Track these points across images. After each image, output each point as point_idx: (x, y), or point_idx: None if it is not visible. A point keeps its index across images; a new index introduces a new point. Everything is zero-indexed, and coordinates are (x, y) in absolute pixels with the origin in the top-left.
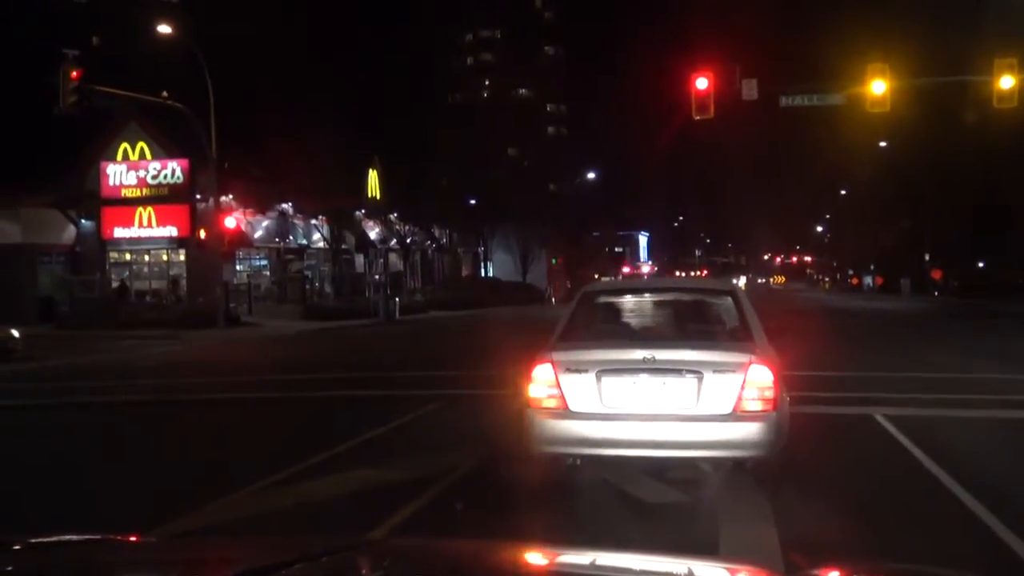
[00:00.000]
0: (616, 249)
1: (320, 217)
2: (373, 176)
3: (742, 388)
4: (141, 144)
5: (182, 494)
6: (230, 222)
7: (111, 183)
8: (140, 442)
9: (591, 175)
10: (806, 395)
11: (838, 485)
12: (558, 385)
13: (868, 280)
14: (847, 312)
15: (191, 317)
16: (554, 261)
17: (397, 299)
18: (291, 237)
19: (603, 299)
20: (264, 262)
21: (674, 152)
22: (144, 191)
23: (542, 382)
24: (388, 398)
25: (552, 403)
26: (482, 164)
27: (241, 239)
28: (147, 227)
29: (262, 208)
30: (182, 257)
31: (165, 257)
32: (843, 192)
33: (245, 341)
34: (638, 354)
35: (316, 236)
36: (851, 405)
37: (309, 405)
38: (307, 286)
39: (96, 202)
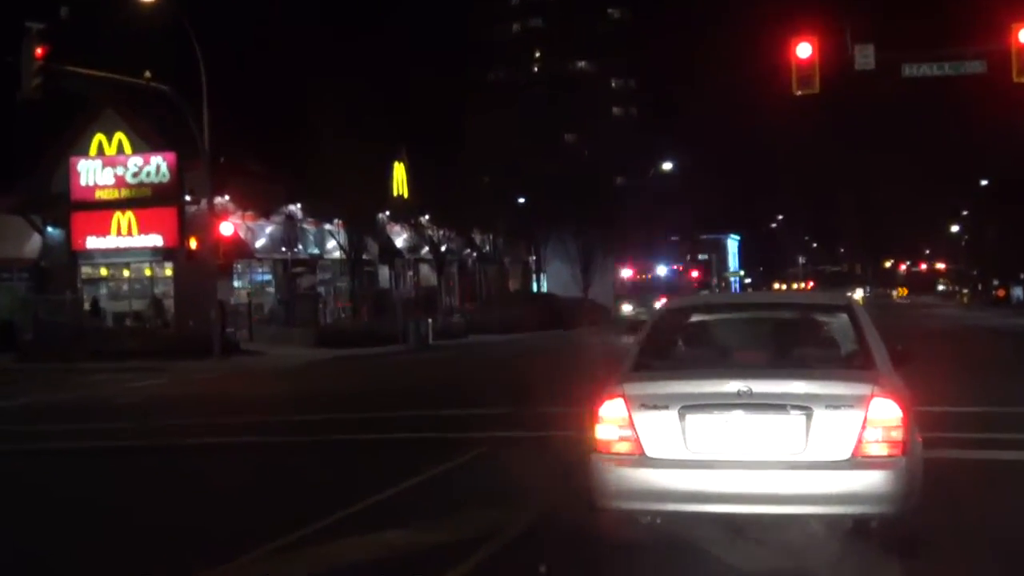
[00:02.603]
0: (700, 256)
1: (336, 221)
2: (399, 171)
3: (862, 428)
4: (119, 135)
5: (168, 562)
6: (227, 228)
7: (83, 183)
8: (119, 497)
9: (667, 166)
10: (945, 436)
11: (988, 553)
12: (631, 425)
13: (1018, 292)
14: (992, 332)
15: (180, 345)
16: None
17: (430, 320)
18: (300, 246)
19: (686, 318)
20: (268, 277)
21: (770, 137)
22: (123, 192)
23: (612, 422)
24: (422, 442)
25: (624, 447)
26: (533, 155)
27: (240, 249)
28: (127, 235)
29: (265, 211)
30: (169, 272)
31: (148, 272)
32: (984, 183)
33: (246, 373)
34: (731, 386)
35: (331, 244)
36: (1005, 449)
37: (325, 451)
38: (320, 305)
39: (65, 206)
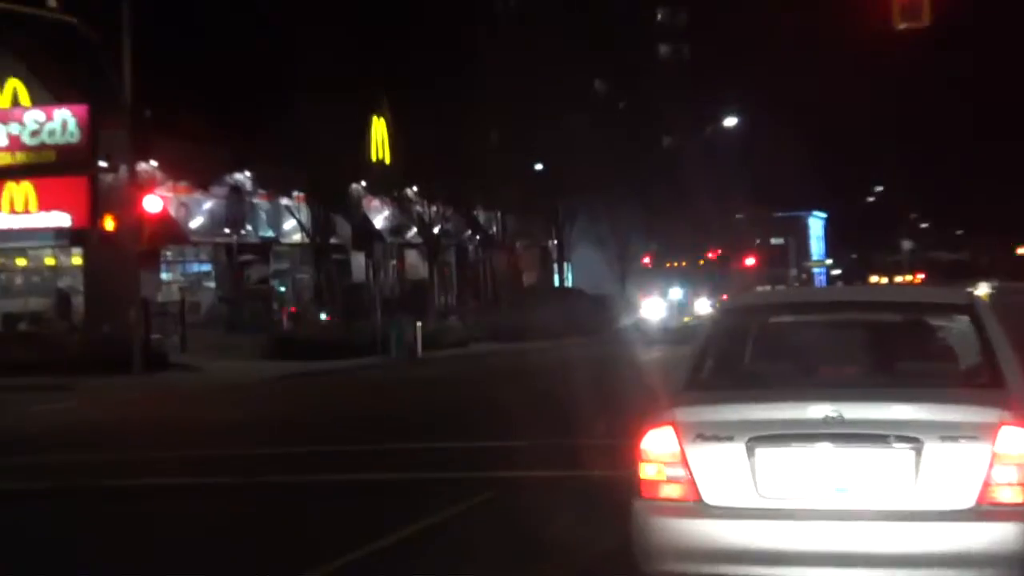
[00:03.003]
0: (772, 240)
1: (295, 195)
2: (379, 128)
3: (990, 466)
4: (14, 83)
5: None
6: (153, 204)
7: None
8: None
9: (729, 122)
10: None
11: None
12: (685, 462)
13: None
14: None
15: (91, 356)
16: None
17: (419, 325)
18: (249, 227)
19: (756, 320)
20: (207, 267)
21: (865, 85)
22: (18, 156)
23: (658, 458)
24: (409, 485)
25: (675, 492)
26: (554, 106)
27: (170, 230)
28: (22, 213)
29: (204, 181)
30: (77, 260)
31: (51, 261)
32: None
33: (177, 394)
34: (816, 410)
35: (289, 224)
36: None
37: (280, 496)
38: (275, 304)
39: None
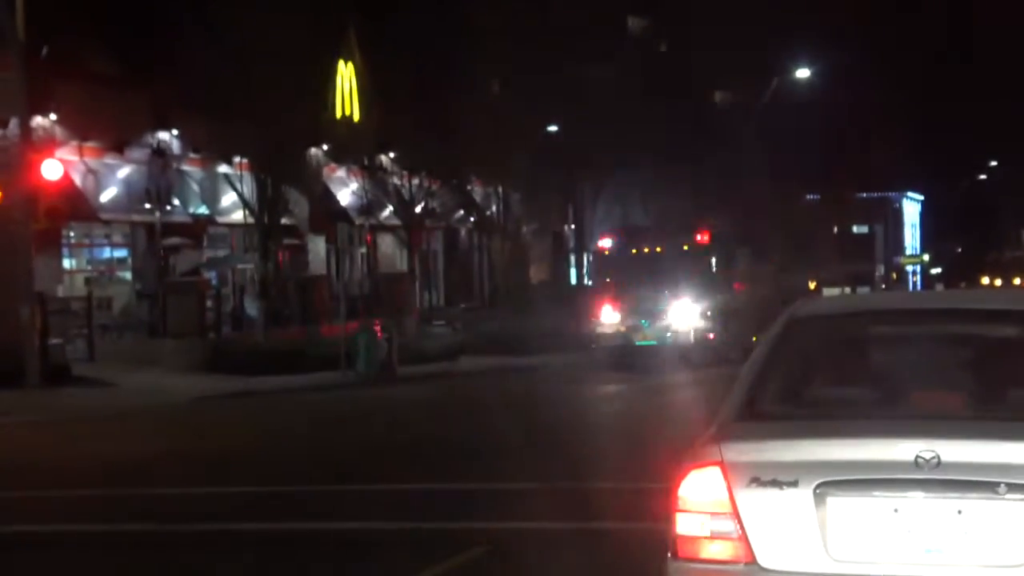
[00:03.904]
0: (854, 229)
1: (237, 161)
2: (346, 75)
3: None
4: None
5: None
6: (52, 170)
7: None
8: None
9: (801, 73)
10: None
11: None
12: (735, 513)
13: None
14: None
15: None
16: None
17: (389, 336)
18: (177, 201)
19: (829, 332)
20: (123, 252)
21: (973, 30)
22: None
23: (701, 507)
24: (381, 537)
25: (722, 551)
26: (572, 52)
27: (75, 204)
28: None
29: (118, 141)
30: None
31: None
32: None
33: (82, 417)
34: (904, 449)
35: (229, 199)
36: None
37: (212, 551)
38: (210, 302)
39: None
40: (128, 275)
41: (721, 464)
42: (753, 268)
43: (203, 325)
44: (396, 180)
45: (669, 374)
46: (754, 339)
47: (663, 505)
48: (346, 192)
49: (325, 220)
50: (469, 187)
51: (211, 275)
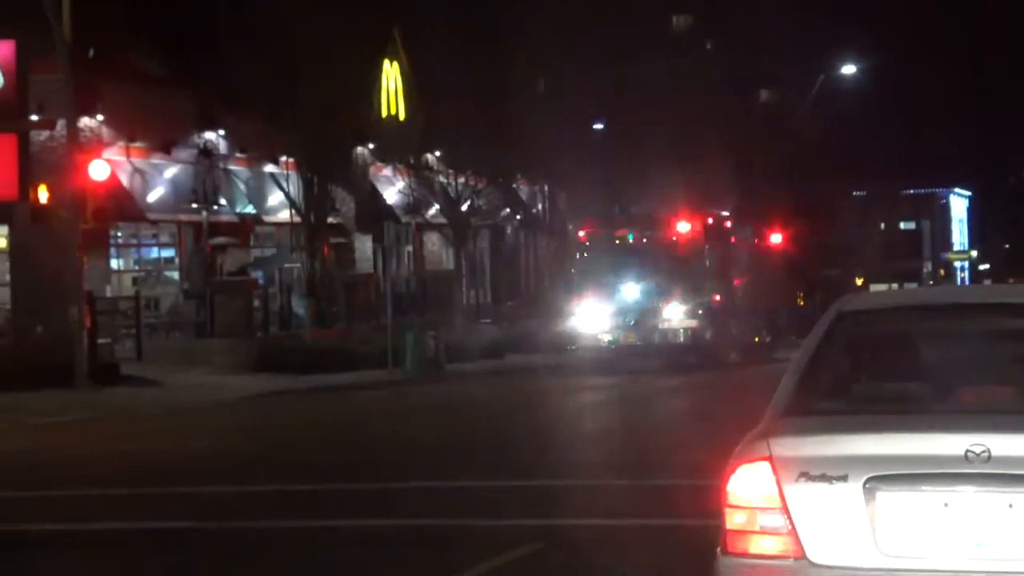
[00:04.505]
0: (901, 225)
1: (284, 160)
2: (391, 74)
3: None
4: None
5: None
6: (100, 170)
7: None
8: None
9: (848, 70)
10: None
11: None
12: (784, 508)
13: None
14: None
15: (20, 366)
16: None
17: (434, 334)
18: (224, 201)
19: (878, 327)
20: (170, 252)
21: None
22: None
23: (751, 502)
24: (428, 534)
25: (772, 545)
26: (619, 50)
27: (122, 205)
28: None
29: (165, 141)
30: (1, 242)
31: None
32: None
33: (131, 416)
34: (953, 443)
35: (275, 198)
36: None
37: (257, 547)
38: (258, 301)
39: None
40: (175, 275)
41: (770, 459)
42: (759, 261)
43: (250, 324)
44: (442, 178)
45: (655, 377)
46: (756, 340)
47: (713, 500)
48: (392, 191)
49: (371, 219)
50: (515, 185)
51: (258, 274)
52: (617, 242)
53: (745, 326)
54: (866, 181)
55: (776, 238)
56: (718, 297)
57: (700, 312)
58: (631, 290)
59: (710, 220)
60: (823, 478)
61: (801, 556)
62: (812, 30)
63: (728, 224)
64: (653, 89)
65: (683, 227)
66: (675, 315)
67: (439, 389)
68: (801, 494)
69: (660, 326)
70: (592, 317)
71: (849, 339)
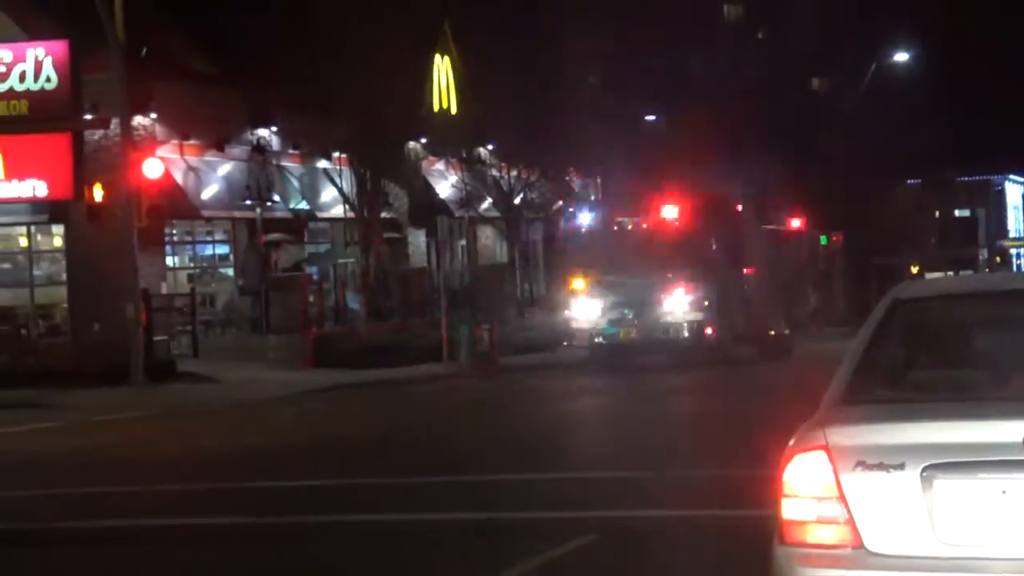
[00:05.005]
0: (956, 212)
1: (336, 156)
2: (442, 68)
3: None
4: None
5: None
6: (154, 168)
7: None
8: None
9: (901, 57)
10: None
11: None
12: (841, 497)
13: None
14: None
15: (78, 363)
16: (824, 240)
17: (487, 327)
18: (277, 197)
19: (932, 315)
20: (224, 249)
21: None
22: None
23: (807, 492)
24: (483, 526)
25: (829, 535)
26: (668, 40)
27: (176, 202)
28: None
29: (218, 139)
30: (58, 241)
31: (24, 241)
32: None
33: (189, 412)
34: (1012, 430)
35: (329, 194)
36: None
37: (335, 543)
38: (310, 296)
39: None
40: (230, 271)
41: (826, 448)
42: (779, 248)
43: (305, 320)
44: (495, 172)
45: (660, 376)
46: (771, 333)
47: (769, 490)
48: (445, 185)
49: (425, 213)
50: (567, 177)
51: (312, 270)
52: (615, 228)
53: (757, 317)
54: (920, 169)
55: (796, 223)
56: (725, 288)
57: (704, 304)
58: (624, 280)
59: (715, 203)
60: (880, 467)
61: (859, 545)
62: (864, 17)
63: (739, 208)
64: (704, 79)
65: (682, 211)
66: (674, 308)
67: (493, 383)
68: (858, 483)
69: (660, 319)
70: (587, 311)
71: (905, 327)
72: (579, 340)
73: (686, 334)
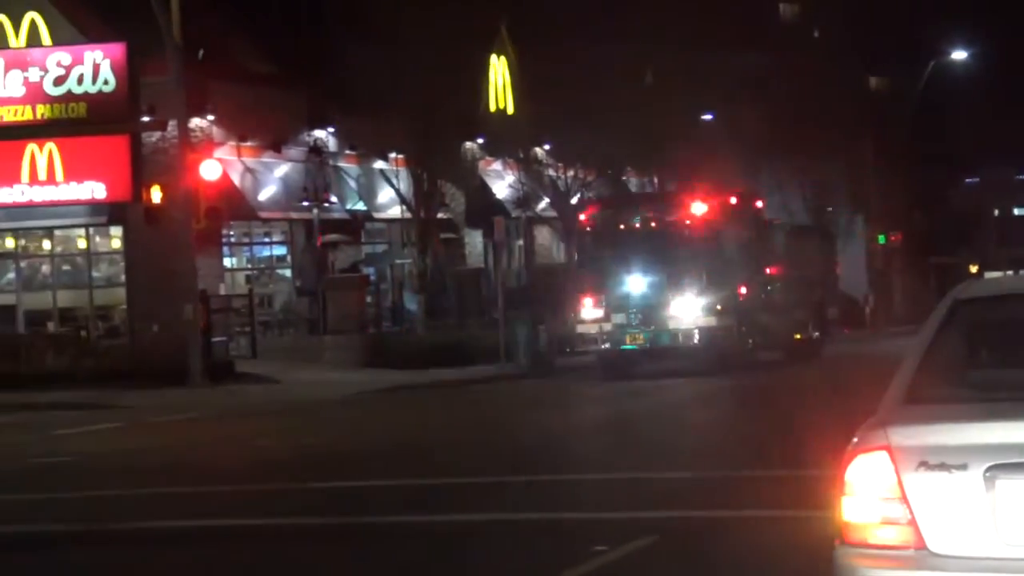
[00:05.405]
0: (1017, 211)
1: (393, 157)
2: (499, 69)
3: None
4: (31, 17)
5: None
6: (212, 170)
7: None
8: None
9: (958, 55)
10: None
11: None
12: (903, 498)
13: None
14: None
15: (137, 364)
16: (882, 239)
17: (545, 328)
18: (334, 198)
19: (992, 314)
20: (282, 250)
21: None
22: (40, 111)
23: (869, 492)
24: (543, 527)
25: (891, 536)
26: (722, 40)
27: (234, 204)
28: (46, 183)
29: (275, 140)
30: (116, 243)
31: (83, 243)
32: None
33: (248, 413)
34: None
35: (386, 195)
36: None
37: (399, 543)
38: (368, 297)
39: None
40: (288, 272)
41: (888, 448)
42: (803, 246)
43: (363, 320)
44: (551, 172)
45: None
46: (797, 337)
47: (831, 490)
48: (502, 185)
49: (481, 214)
50: (624, 178)
51: (369, 271)
52: (623, 227)
53: (782, 321)
54: (979, 167)
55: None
56: (744, 289)
57: (716, 307)
58: (637, 282)
59: (733, 200)
60: (942, 467)
61: (922, 546)
62: (922, 15)
63: (760, 203)
64: (761, 78)
65: (699, 208)
66: (687, 311)
67: (551, 383)
68: (920, 483)
69: (669, 324)
70: (596, 314)
71: (965, 326)
72: (585, 345)
73: (697, 339)
